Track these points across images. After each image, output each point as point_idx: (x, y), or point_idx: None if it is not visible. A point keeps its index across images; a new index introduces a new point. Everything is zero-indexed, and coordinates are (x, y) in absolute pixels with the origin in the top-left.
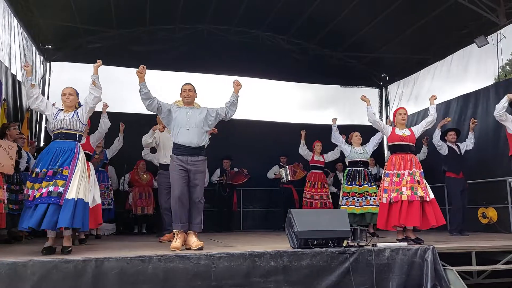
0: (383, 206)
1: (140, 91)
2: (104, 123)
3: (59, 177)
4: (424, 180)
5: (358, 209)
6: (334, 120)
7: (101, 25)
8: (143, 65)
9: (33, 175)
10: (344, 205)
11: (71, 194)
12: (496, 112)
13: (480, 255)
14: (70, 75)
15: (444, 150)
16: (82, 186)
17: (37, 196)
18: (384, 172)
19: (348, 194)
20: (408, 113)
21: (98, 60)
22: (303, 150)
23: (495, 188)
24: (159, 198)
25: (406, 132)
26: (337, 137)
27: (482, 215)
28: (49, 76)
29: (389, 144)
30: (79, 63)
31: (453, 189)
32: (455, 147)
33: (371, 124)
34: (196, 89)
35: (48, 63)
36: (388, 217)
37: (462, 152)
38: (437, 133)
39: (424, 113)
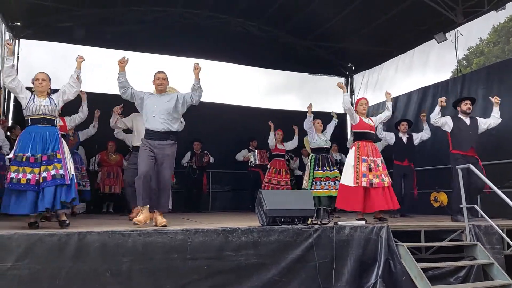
0: (358, 189)
1: (118, 79)
2: (86, 110)
3: (55, 160)
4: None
5: (334, 192)
6: (310, 107)
7: (72, 3)
8: (125, 57)
9: (23, 159)
10: (319, 189)
11: (71, 172)
12: (432, 120)
13: (428, 233)
14: (38, 53)
15: (391, 141)
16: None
17: (41, 181)
18: (359, 157)
19: (321, 179)
20: (373, 103)
21: (79, 56)
22: (272, 140)
23: (446, 174)
24: (125, 174)
25: (370, 122)
26: (310, 125)
27: (434, 199)
28: (18, 53)
29: (354, 131)
30: (49, 42)
31: (395, 175)
32: (403, 137)
33: (345, 111)
34: (168, 77)
35: (17, 40)
36: (366, 200)
37: (416, 141)
38: (380, 127)
39: None
